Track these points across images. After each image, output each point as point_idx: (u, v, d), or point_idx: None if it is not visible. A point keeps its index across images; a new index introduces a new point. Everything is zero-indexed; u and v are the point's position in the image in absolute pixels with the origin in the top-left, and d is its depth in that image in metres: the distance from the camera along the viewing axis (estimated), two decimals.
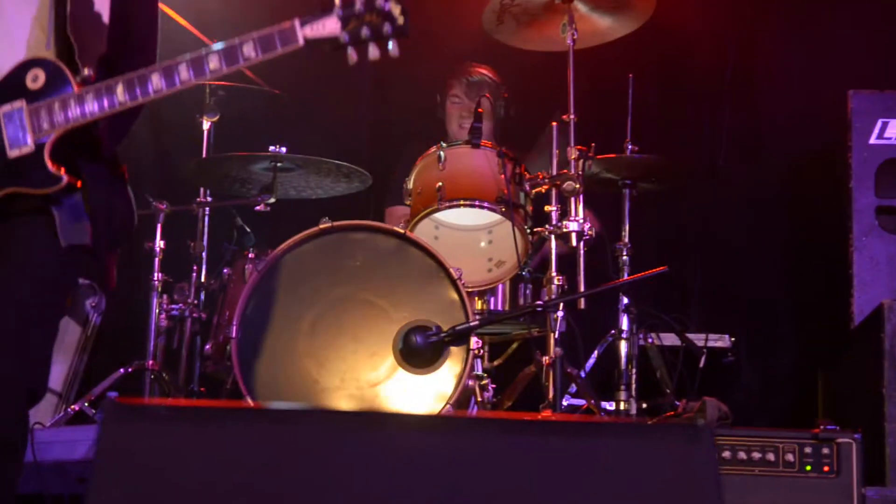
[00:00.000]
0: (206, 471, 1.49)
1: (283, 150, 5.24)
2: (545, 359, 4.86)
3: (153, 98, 2.93)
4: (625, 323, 5.39)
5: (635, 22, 5.45)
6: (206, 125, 5.79)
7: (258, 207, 5.38)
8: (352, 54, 2.91)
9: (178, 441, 1.51)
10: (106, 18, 3.07)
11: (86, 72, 2.96)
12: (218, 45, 2.95)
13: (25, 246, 3.00)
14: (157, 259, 5.48)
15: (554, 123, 5.08)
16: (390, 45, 2.91)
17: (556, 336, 4.82)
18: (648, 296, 5.75)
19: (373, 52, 2.91)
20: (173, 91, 2.93)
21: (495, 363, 5.51)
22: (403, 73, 6.47)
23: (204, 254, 5.63)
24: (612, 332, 5.44)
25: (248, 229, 5.65)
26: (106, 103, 2.90)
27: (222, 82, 5.68)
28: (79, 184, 2.97)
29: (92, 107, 2.90)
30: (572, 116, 5.07)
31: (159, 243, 5.50)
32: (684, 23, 6.33)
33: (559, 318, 4.84)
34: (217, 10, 6.22)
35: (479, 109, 5.20)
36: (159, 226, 5.51)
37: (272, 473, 1.45)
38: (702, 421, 1.64)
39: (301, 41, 2.90)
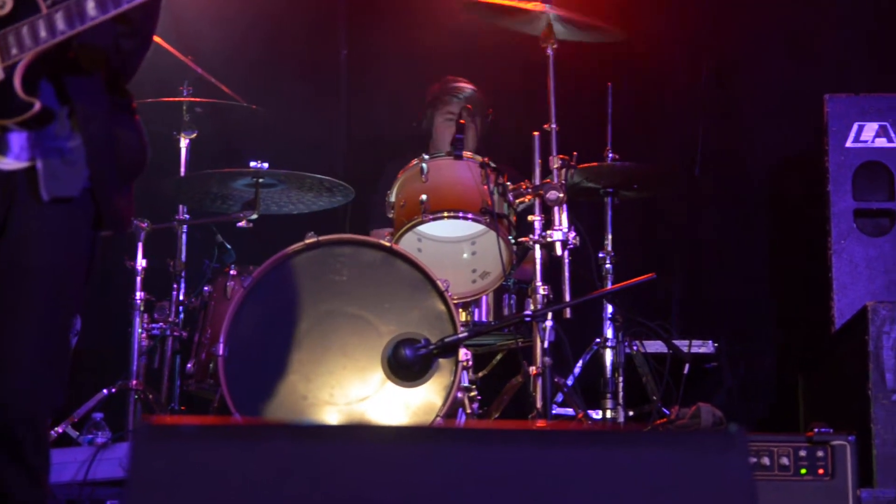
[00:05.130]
0: (247, 491, 1.47)
1: (265, 165, 5.22)
2: (532, 369, 4.86)
3: (125, 9, 2.79)
4: (610, 332, 5.41)
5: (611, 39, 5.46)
6: (183, 142, 5.76)
7: (240, 224, 5.36)
8: None
9: (217, 461, 1.49)
10: None
11: None
12: None
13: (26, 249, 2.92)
14: (138, 278, 5.44)
15: (535, 133, 5.09)
16: None
17: (546, 346, 4.82)
18: (630, 303, 5.77)
19: None
20: (140, 2, 2.79)
21: (480, 374, 5.50)
22: (383, 86, 6.48)
23: (184, 272, 5.60)
24: (598, 340, 5.45)
25: (229, 246, 5.63)
26: (76, 21, 2.78)
27: (198, 98, 5.66)
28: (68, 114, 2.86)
29: (61, 25, 2.78)
30: (553, 126, 5.08)
31: (140, 262, 5.46)
32: (661, 29, 6.36)
33: (548, 328, 4.84)
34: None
35: (461, 121, 5.20)
36: (140, 244, 5.46)
37: (315, 492, 1.44)
38: (735, 427, 1.63)
39: None
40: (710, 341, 5.71)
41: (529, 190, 5.06)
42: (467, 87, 5.91)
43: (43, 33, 2.77)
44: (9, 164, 2.90)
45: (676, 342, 5.48)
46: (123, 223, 3.08)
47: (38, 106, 2.81)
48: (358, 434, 1.51)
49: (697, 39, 6.49)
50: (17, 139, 2.89)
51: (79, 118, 2.92)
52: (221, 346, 4.71)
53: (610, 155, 5.50)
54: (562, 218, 4.96)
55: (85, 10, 2.76)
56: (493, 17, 5.46)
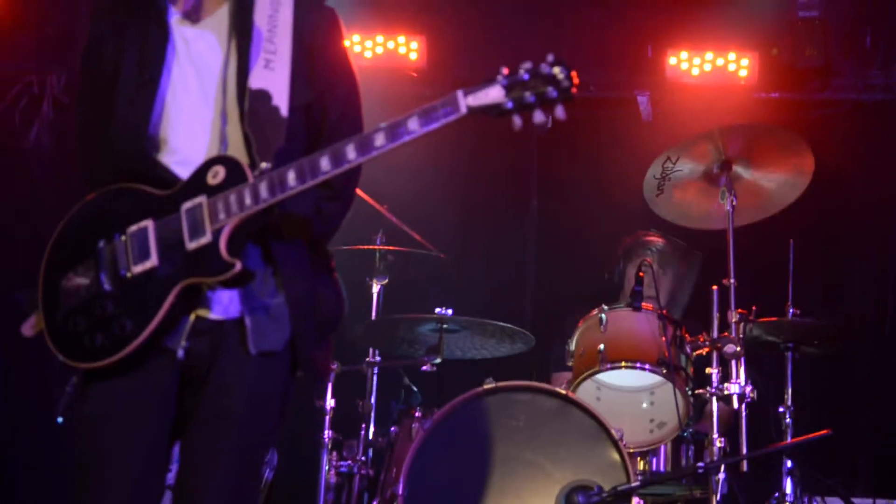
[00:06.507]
0: None
1: (450, 312, 5.42)
2: None
3: (322, 180, 2.97)
4: (789, 486, 5.35)
5: (795, 187, 5.47)
6: (375, 288, 6.00)
7: (424, 367, 5.56)
8: (516, 120, 2.87)
9: None
10: (284, 112, 3.14)
11: (263, 165, 3.04)
12: (382, 124, 2.96)
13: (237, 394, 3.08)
14: (326, 417, 5.66)
15: (714, 287, 5.16)
16: (557, 109, 2.86)
17: (718, 499, 4.83)
18: (812, 458, 5.69)
19: (538, 117, 2.86)
20: (339, 171, 2.96)
21: None
22: (572, 235, 6.64)
23: (372, 412, 5.78)
24: (776, 495, 5.40)
25: (415, 388, 5.82)
26: (278, 190, 2.96)
27: (391, 247, 5.91)
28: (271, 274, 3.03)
29: (265, 194, 2.97)
30: (732, 280, 5.14)
31: (329, 401, 5.69)
32: (845, 177, 6.35)
33: (720, 480, 4.85)
34: None
35: (641, 274, 5.32)
36: (329, 385, 5.70)
37: None
38: None
39: (464, 109, 2.87)
40: None
41: (707, 343, 5.13)
42: (658, 240, 6.02)
43: (248, 201, 2.98)
44: (218, 317, 3.11)
45: (859, 501, 5.38)
46: (320, 373, 3.30)
47: (238, 267, 3.00)
48: None
49: (886, 186, 6.42)
50: (227, 294, 3.09)
51: (282, 278, 3.11)
52: (401, 485, 4.88)
53: (791, 310, 5.50)
54: (739, 371, 5.00)
55: (286, 181, 2.97)
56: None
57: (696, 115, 6.75)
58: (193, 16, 3.24)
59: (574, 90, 2.85)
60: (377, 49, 7.21)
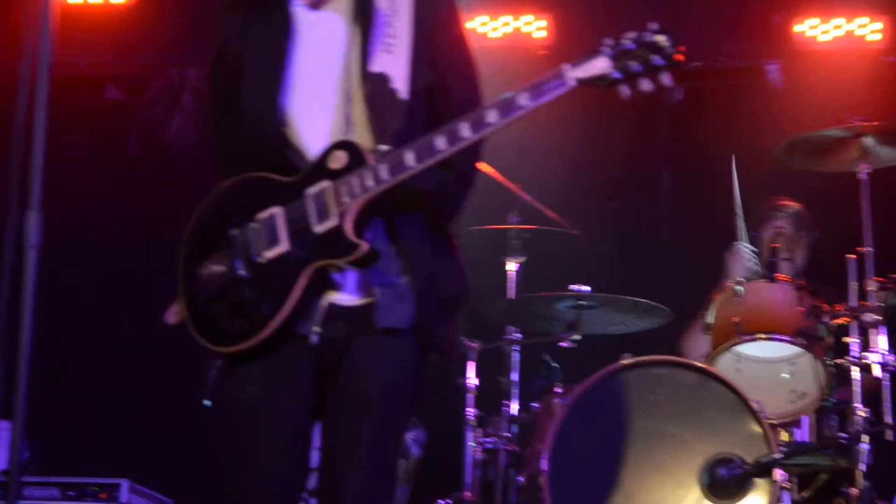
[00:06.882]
0: None
1: (587, 289, 5.51)
2: (853, 490, 4.88)
3: (439, 159, 3.05)
4: None
5: None
6: (511, 266, 6.10)
7: (563, 344, 5.65)
8: (623, 89, 2.92)
9: None
10: (404, 95, 3.22)
11: (382, 147, 3.13)
12: (494, 101, 3.04)
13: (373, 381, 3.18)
14: (469, 395, 5.79)
15: (851, 256, 5.15)
16: (663, 76, 2.90)
17: (863, 468, 4.84)
18: None
19: (645, 85, 2.91)
20: (456, 150, 3.04)
21: (804, 494, 5.52)
22: (704, 206, 6.64)
23: (514, 389, 5.89)
24: None
25: (555, 364, 5.91)
26: (398, 170, 3.06)
27: (525, 226, 6.00)
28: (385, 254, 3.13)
29: (385, 175, 3.06)
30: (870, 248, 5.13)
31: (472, 379, 5.81)
32: None
33: (865, 451, 4.85)
34: None
35: (774, 245, 5.34)
36: (471, 363, 5.83)
37: None
38: None
39: (572, 81, 2.93)
40: None
41: (846, 312, 5.13)
42: (792, 205, 6.02)
43: (370, 182, 3.08)
44: (347, 299, 3.22)
45: None
46: (448, 351, 3.36)
47: (364, 248, 3.10)
48: None
49: None
50: (353, 277, 3.20)
51: (406, 256, 3.21)
52: (545, 460, 4.98)
53: None
54: (879, 340, 4.99)
55: (405, 161, 3.06)
56: (807, 162, 5.60)
57: (827, 81, 6.71)
58: (317, 2, 3.34)
59: (679, 57, 2.89)
60: (505, 29, 7.31)
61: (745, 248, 5.85)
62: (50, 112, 3.38)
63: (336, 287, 3.20)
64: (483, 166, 5.91)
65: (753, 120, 6.85)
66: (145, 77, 7.54)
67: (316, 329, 3.17)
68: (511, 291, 6.06)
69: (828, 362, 5.14)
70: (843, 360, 5.08)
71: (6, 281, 3.19)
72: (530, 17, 7.30)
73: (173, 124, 7.43)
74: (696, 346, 5.78)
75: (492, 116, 3.00)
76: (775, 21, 7.02)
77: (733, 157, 5.94)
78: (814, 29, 6.93)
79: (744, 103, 7.11)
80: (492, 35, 7.35)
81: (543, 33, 7.29)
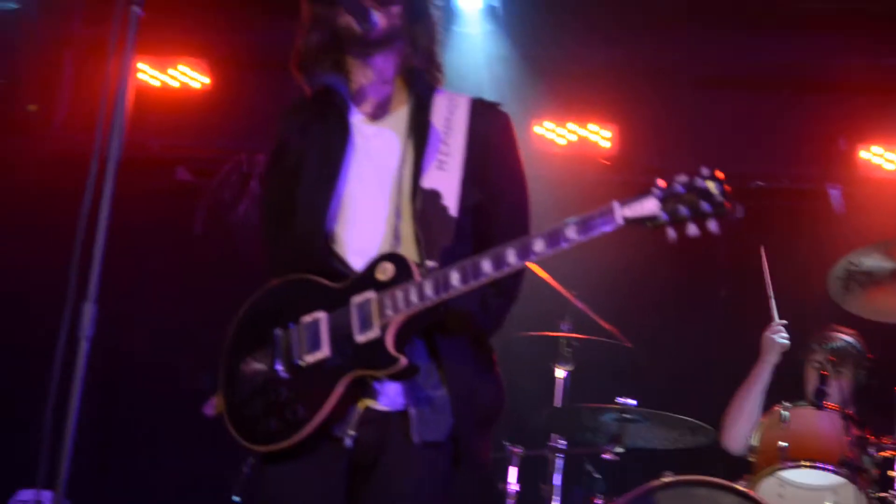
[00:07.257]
0: None
1: (634, 402, 5.51)
2: None
3: (484, 282, 3.07)
4: None
5: None
6: (560, 374, 6.11)
7: (606, 455, 5.64)
8: (670, 232, 2.92)
9: None
10: (453, 212, 3.28)
11: (429, 263, 3.18)
12: (540, 232, 3.07)
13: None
14: (510, 500, 5.78)
15: None
16: (710, 223, 2.90)
17: None
18: None
19: (692, 230, 2.90)
20: (502, 275, 3.06)
21: None
22: (756, 328, 6.63)
23: (556, 496, 5.86)
24: None
25: (598, 475, 5.89)
26: (442, 289, 3.09)
27: (576, 335, 6.02)
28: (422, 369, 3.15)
29: (429, 293, 3.10)
30: None
31: (513, 485, 5.81)
32: None
33: None
34: None
35: (824, 372, 5.33)
36: (511, 468, 5.82)
37: None
38: None
39: (620, 220, 2.94)
40: None
41: (892, 445, 5.09)
42: (839, 336, 5.97)
43: (414, 298, 3.13)
44: (384, 407, 3.27)
45: None
46: (481, 465, 3.38)
47: (403, 362, 3.15)
48: None
49: None
50: (393, 386, 3.25)
51: (445, 372, 3.26)
52: None
53: None
54: None
55: (450, 281, 3.10)
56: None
57: (889, 209, 6.72)
58: (376, 116, 3.43)
59: (728, 205, 2.89)
60: (570, 136, 7.41)
61: (778, 325, 5.93)
62: (118, 191, 3.43)
63: (374, 395, 3.25)
64: (538, 271, 5.99)
65: (815, 241, 6.85)
66: (216, 160, 7.67)
67: (351, 432, 3.22)
68: (558, 399, 6.08)
69: (871, 494, 5.10)
70: (886, 494, 5.04)
71: (58, 367, 3.24)
72: (596, 127, 7.39)
73: (240, 207, 7.54)
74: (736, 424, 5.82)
75: (538, 246, 3.03)
76: (841, 146, 7.05)
77: (762, 248, 6.11)
78: (879, 157, 6.97)
79: (805, 224, 7.11)
80: (559, 141, 7.44)
81: (608, 143, 7.37)
